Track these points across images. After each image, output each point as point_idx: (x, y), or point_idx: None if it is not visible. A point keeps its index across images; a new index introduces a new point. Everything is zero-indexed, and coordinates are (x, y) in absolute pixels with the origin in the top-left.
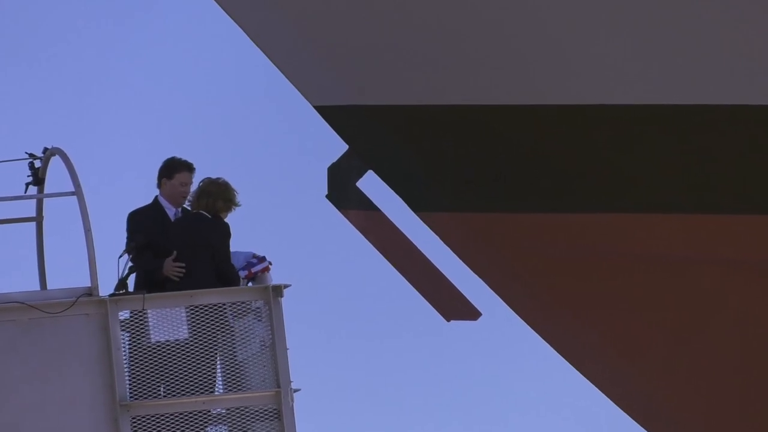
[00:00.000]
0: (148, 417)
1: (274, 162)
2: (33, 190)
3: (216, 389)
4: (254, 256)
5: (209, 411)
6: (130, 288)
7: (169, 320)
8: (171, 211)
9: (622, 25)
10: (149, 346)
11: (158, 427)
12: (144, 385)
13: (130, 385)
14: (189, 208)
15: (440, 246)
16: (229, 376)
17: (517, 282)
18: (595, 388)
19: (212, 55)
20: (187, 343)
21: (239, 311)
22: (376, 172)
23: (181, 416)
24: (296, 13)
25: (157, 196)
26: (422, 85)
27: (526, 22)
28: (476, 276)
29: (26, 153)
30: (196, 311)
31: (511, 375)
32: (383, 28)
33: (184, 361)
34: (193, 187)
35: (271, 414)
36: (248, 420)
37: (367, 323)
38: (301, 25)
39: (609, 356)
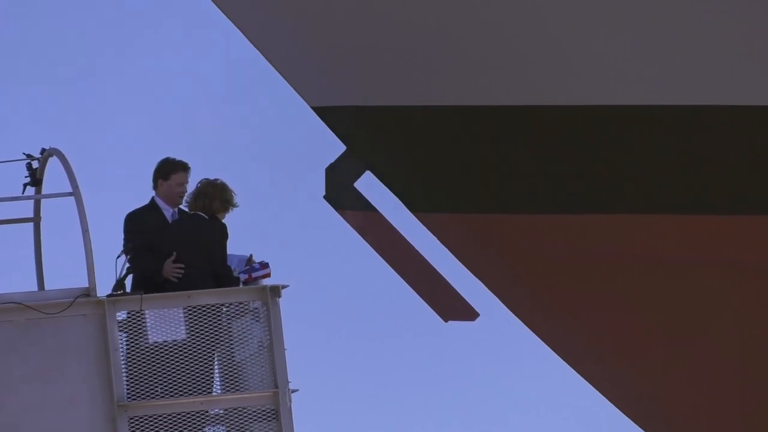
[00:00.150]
0: (145, 417)
1: (272, 163)
2: (31, 190)
3: (214, 390)
4: (249, 260)
5: (207, 411)
6: (128, 289)
7: (166, 321)
8: (168, 212)
9: (622, 25)
10: (147, 347)
11: (156, 427)
12: (142, 386)
13: (127, 385)
14: (186, 209)
15: (438, 247)
16: (226, 376)
17: (515, 283)
18: (594, 389)
19: (210, 56)
20: (184, 344)
21: (237, 312)
22: (373, 173)
23: (179, 417)
24: (294, 15)
25: (153, 197)
26: (421, 85)
27: (526, 22)
28: (474, 277)
29: (24, 154)
30: (194, 312)
31: (510, 375)
32: (381, 28)
33: (181, 361)
34: (190, 187)
35: (268, 414)
36: (246, 420)
37: (365, 324)
38: (298, 27)
39: (608, 357)
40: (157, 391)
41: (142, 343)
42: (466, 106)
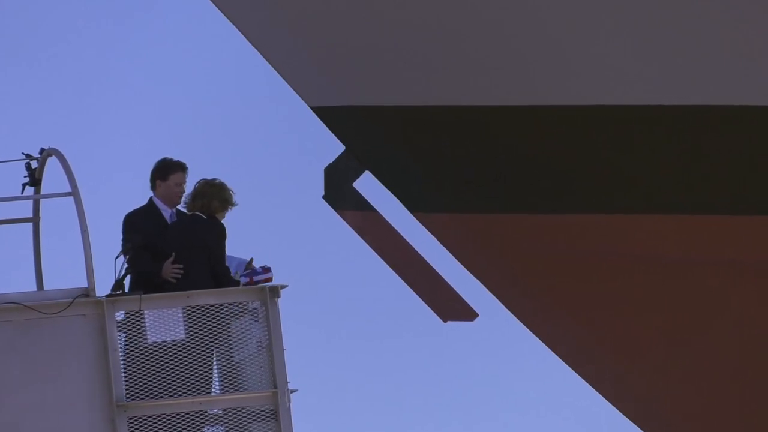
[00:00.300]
0: (145, 417)
1: (271, 163)
2: (30, 190)
3: (213, 390)
4: (249, 264)
5: (206, 411)
6: (127, 289)
7: (165, 321)
8: (166, 212)
9: (622, 25)
10: (146, 347)
11: (155, 427)
12: (141, 386)
13: (126, 385)
14: (184, 209)
15: (437, 247)
16: (226, 376)
17: (515, 283)
18: (594, 389)
19: (209, 56)
20: (184, 344)
21: (236, 312)
22: (372, 173)
23: (178, 417)
24: (293, 15)
25: (151, 198)
26: (420, 85)
27: (526, 22)
28: (473, 277)
29: (23, 153)
30: (193, 312)
31: (509, 375)
32: (380, 28)
33: (181, 361)
34: (188, 187)
35: (267, 415)
36: (245, 421)
37: (364, 324)
38: (297, 26)
39: (608, 357)
40: (156, 391)
41: (141, 343)
42: (466, 106)
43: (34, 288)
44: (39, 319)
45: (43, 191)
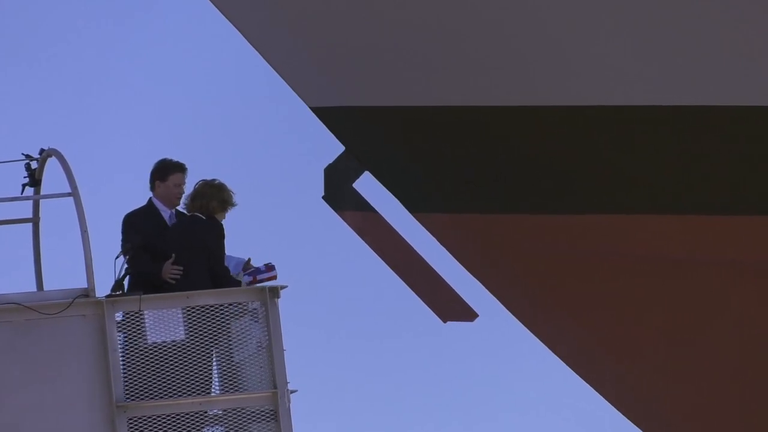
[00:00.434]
0: (144, 418)
1: (271, 163)
2: (30, 191)
3: (213, 390)
4: (247, 264)
5: (206, 412)
6: (126, 289)
7: (165, 321)
8: (166, 213)
9: (622, 25)
10: (146, 347)
11: (155, 428)
12: (141, 386)
13: (126, 386)
14: (183, 210)
15: (437, 247)
16: (225, 377)
17: (515, 283)
18: (594, 389)
19: (209, 56)
20: (183, 344)
21: (236, 312)
22: (372, 174)
23: (177, 417)
24: (293, 15)
25: (151, 198)
26: (420, 86)
27: (526, 22)
28: (473, 277)
29: (23, 154)
30: (193, 312)
31: (509, 376)
32: (380, 29)
33: (180, 362)
34: (188, 188)
35: (267, 415)
36: (245, 421)
37: (364, 324)
38: (297, 27)
39: (608, 357)
40: (155, 391)
41: (140, 344)
42: (466, 106)
43: (34, 288)
44: (39, 319)
45: (43, 191)
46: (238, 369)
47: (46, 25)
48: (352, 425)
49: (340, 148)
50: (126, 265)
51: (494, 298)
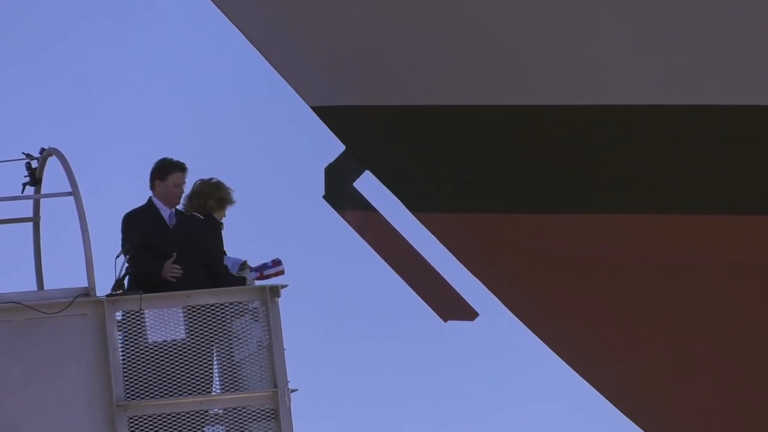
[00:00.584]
0: (145, 417)
1: (272, 162)
2: (30, 190)
3: (213, 389)
4: (244, 265)
5: (206, 411)
6: (127, 288)
7: (166, 320)
8: (166, 213)
9: (622, 25)
10: (146, 347)
11: (155, 427)
12: (141, 386)
13: (127, 385)
14: (182, 210)
15: (438, 247)
16: (226, 376)
17: (515, 283)
18: (594, 389)
19: (210, 56)
20: (184, 344)
21: (236, 311)
22: (373, 173)
23: (178, 416)
24: (293, 15)
25: (150, 198)
26: (420, 85)
27: (526, 22)
28: (474, 277)
29: (23, 153)
30: (193, 311)
31: (509, 375)
32: (381, 28)
33: (181, 361)
34: (187, 187)
35: (268, 414)
36: (245, 420)
37: (364, 323)
38: (297, 26)
39: (608, 357)
40: (156, 390)
41: (141, 343)
42: (466, 106)
43: (34, 288)
44: (39, 318)
45: (43, 191)
46: (239, 368)
47: (46, 25)
48: (352, 424)
49: (341, 148)
50: (126, 265)
51: (495, 297)
